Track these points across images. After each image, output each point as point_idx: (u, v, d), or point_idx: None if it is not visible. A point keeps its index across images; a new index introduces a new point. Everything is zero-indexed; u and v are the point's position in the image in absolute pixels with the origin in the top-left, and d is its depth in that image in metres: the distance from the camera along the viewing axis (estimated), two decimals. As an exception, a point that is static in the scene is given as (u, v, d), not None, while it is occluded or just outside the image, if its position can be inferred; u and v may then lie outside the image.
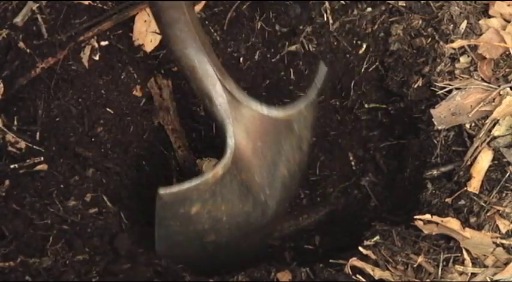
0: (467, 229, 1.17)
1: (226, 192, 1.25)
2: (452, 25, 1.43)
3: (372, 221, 1.30)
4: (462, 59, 1.39)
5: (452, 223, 1.18)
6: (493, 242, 1.18)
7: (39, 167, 1.28)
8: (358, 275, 1.14)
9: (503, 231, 1.20)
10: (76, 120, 1.43)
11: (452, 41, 1.40)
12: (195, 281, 1.28)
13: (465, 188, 1.24)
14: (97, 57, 1.51)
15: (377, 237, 1.22)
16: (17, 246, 1.17)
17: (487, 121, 1.30)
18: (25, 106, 1.39)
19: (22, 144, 1.30)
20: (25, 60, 1.41)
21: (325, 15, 1.59)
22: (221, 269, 1.32)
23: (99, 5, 1.53)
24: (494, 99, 1.31)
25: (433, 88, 1.38)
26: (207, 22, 1.64)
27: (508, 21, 1.43)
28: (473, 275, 1.16)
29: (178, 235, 1.29)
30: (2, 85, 1.37)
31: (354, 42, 1.56)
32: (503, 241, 1.18)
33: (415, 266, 1.16)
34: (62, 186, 1.28)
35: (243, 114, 1.22)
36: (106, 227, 1.27)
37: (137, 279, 1.24)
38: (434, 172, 1.31)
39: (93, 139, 1.45)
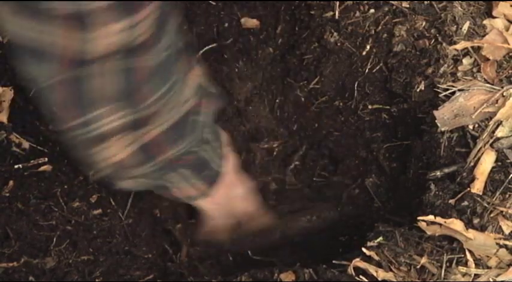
0: (470, 230, 1.17)
1: None
2: (455, 26, 1.42)
3: (375, 222, 1.30)
4: (465, 61, 1.39)
5: (456, 224, 1.17)
6: (496, 243, 1.17)
7: (43, 168, 1.28)
8: (361, 276, 1.14)
9: (507, 232, 1.19)
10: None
11: (455, 42, 1.40)
12: (197, 281, 1.28)
13: (468, 189, 1.24)
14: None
15: (380, 238, 1.22)
16: (21, 246, 1.17)
17: (490, 122, 1.29)
18: (29, 106, 1.39)
19: (26, 145, 1.31)
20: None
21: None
22: None
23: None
24: (497, 100, 1.31)
25: (436, 89, 1.38)
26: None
27: (512, 22, 1.43)
28: (477, 276, 1.15)
29: None
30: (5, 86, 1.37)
31: (357, 43, 1.56)
32: (507, 242, 1.18)
33: (418, 267, 1.16)
34: (66, 187, 1.28)
35: None
36: (110, 228, 1.28)
37: (140, 280, 1.24)
38: (438, 173, 1.31)
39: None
